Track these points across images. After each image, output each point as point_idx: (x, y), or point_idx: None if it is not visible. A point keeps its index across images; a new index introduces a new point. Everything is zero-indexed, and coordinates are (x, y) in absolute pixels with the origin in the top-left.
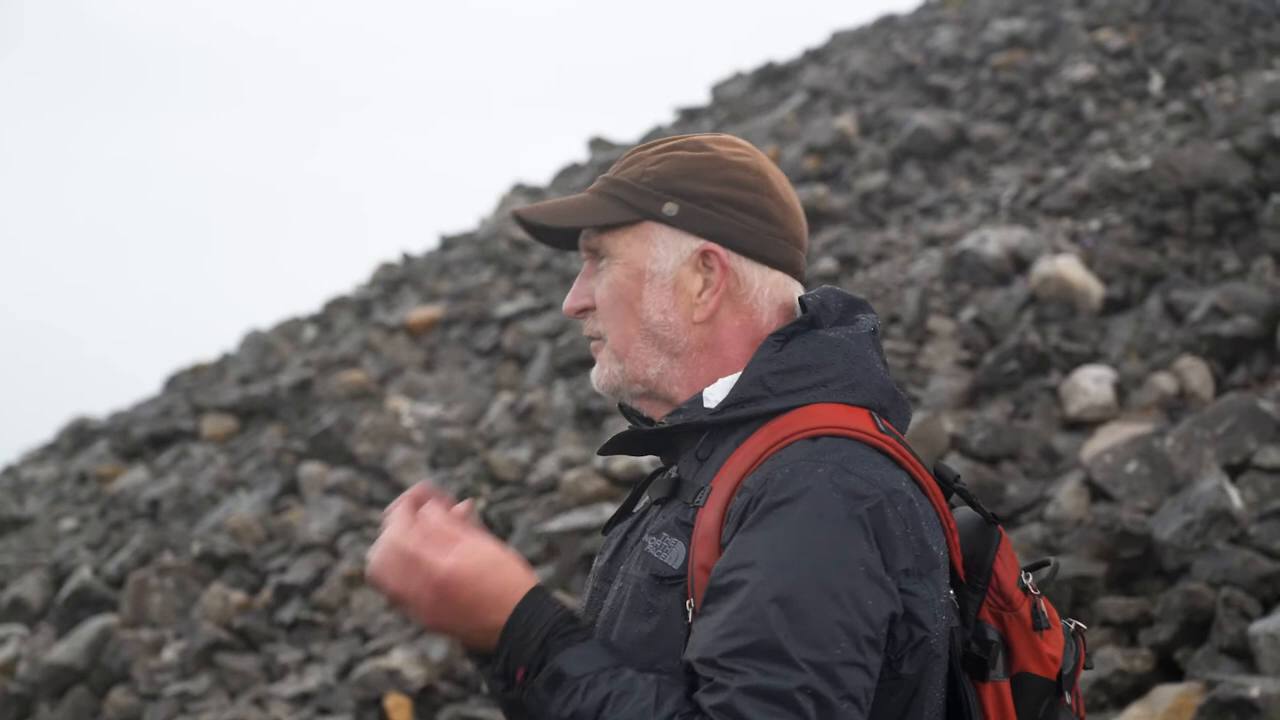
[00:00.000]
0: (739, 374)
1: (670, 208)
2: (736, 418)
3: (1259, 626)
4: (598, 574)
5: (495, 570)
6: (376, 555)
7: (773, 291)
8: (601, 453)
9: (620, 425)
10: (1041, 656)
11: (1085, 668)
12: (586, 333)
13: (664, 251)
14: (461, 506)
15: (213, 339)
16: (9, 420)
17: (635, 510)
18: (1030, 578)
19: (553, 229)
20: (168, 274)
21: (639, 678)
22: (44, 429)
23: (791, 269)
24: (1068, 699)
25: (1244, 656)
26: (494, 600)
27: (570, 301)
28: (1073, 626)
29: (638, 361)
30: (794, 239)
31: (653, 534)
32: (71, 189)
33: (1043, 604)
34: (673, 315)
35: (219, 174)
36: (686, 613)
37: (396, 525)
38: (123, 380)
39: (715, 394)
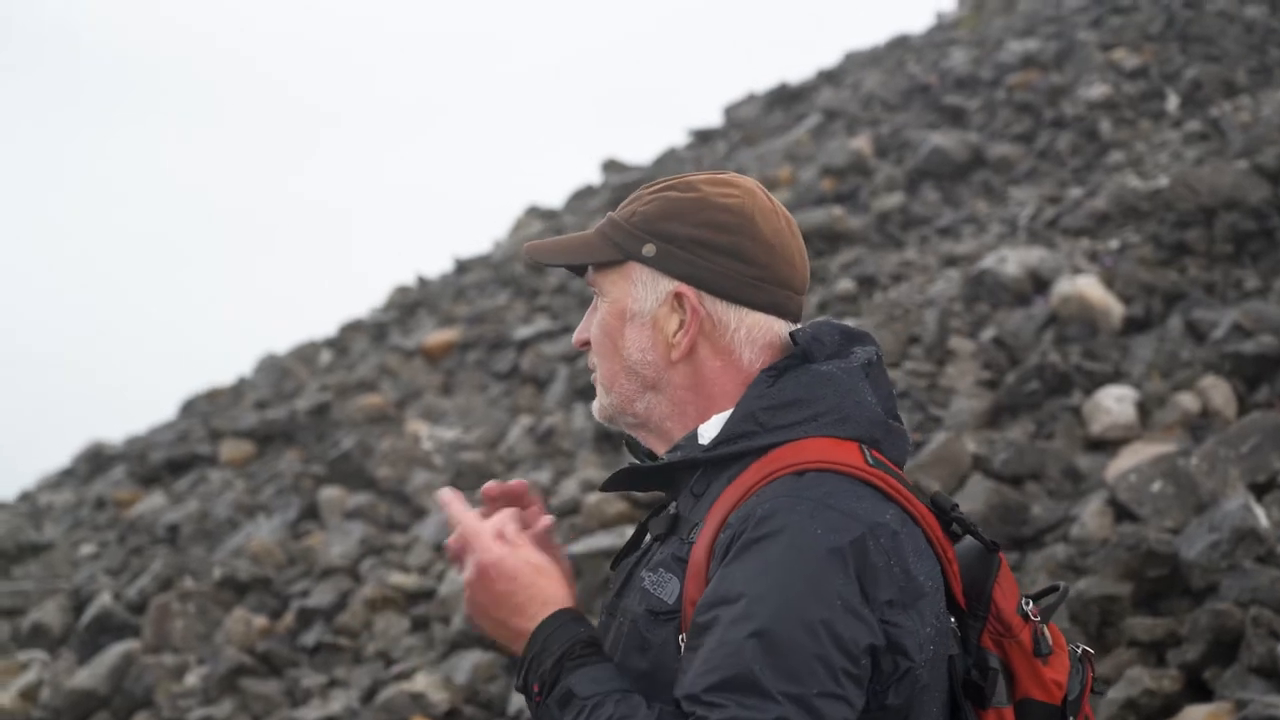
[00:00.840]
0: (730, 411)
1: (649, 249)
2: (729, 454)
3: None
4: (606, 608)
5: (534, 576)
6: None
7: (752, 332)
8: (603, 489)
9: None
10: (1044, 682)
11: (1094, 692)
12: (588, 365)
13: (643, 291)
14: (544, 522)
15: (211, 361)
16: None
17: (641, 545)
18: (1031, 604)
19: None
20: (159, 296)
21: (643, 705)
22: (44, 452)
23: (776, 309)
24: None
25: (1273, 676)
26: (524, 605)
27: (576, 335)
28: (1079, 651)
29: (624, 396)
30: (778, 280)
31: (650, 570)
32: (56, 207)
33: (1046, 630)
34: (650, 354)
35: (209, 193)
36: (680, 648)
37: (480, 514)
38: (121, 403)
39: (709, 430)
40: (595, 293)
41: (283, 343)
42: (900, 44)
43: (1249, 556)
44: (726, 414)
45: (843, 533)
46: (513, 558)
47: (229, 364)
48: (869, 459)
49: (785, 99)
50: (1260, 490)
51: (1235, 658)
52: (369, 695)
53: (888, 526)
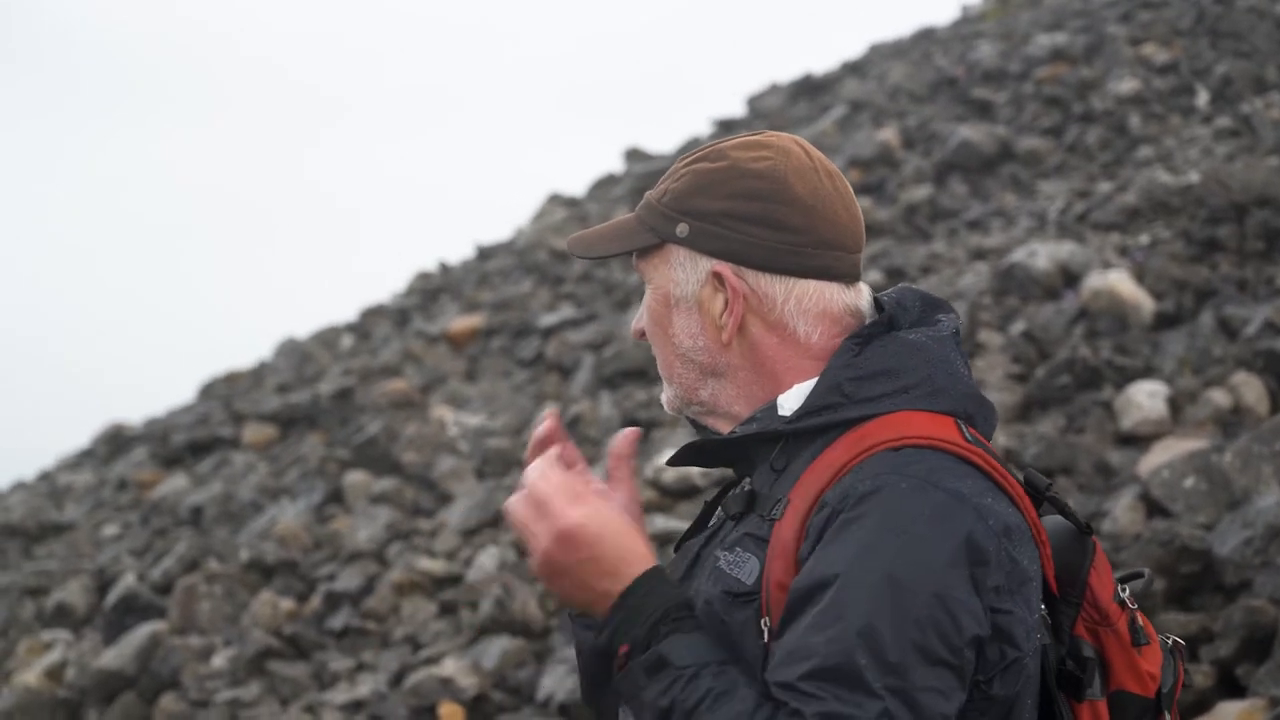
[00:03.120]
0: (814, 380)
1: (682, 229)
2: (813, 426)
3: None
4: None
5: (618, 537)
6: (515, 494)
7: (802, 302)
8: (671, 463)
9: (669, 436)
10: (1140, 674)
11: (1184, 685)
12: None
13: (682, 274)
14: (625, 440)
15: (224, 345)
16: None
17: (709, 525)
18: (1127, 590)
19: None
20: (176, 281)
21: (742, 681)
22: (67, 433)
23: (825, 274)
24: (1167, 718)
25: None
26: (610, 566)
27: (634, 325)
28: (1170, 642)
29: (685, 385)
30: (822, 242)
31: (725, 549)
32: (71, 195)
33: (1140, 619)
34: (701, 339)
35: (222, 181)
36: (762, 631)
37: (537, 467)
38: (136, 386)
39: (790, 401)
40: (646, 280)
41: (297, 328)
42: (926, 36)
43: None
44: (807, 384)
45: (949, 515)
46: (595, 521)
47: (242, 348)
48: (966, 435)
49: (810, 90)
50: None
51: (1269, 654)
52: (397, 679)
53: (992, 508)
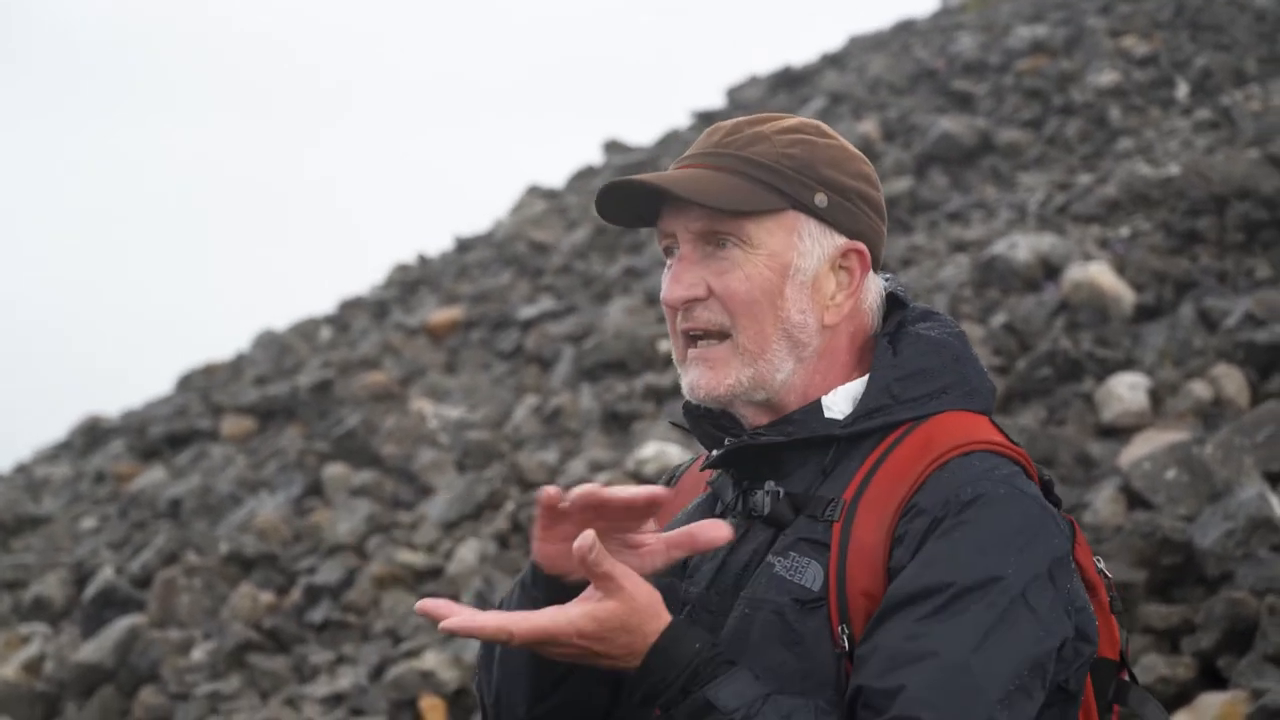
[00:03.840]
0: (857, 381)
1: (821, 199)
2: (869, 429)
3: None
4: (697, 601)
5: (620, 632)
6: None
7: (877, 295)
8: (709, 466)
9: (649, 428)
10: (1114, 640)
11: (1165, 677)
12: (693, 326)
13: (811, 246)
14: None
15: (205, 338)
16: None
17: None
18: (1101, 562)
19: (632, 205)
20: (159, 274)
21: (801, 707)
22: (41, 425)
23: (880, 269)
24: (1131, 675)
25: None
26: (627, 645)
27: (679, 290)
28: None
29: (770, 365)
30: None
31: (778, 554)
32: (59, 187)
33: (1113, 588)
34: (810, 316)
35: (209, 173)
36: (840, 640)
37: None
38: (115, 379)
39: (838, 404)
40: (729, 242)
41: (281, 320)
42: (905, 28)
43: (1264, 545)
44: (851, 385)
45: (1042, 524)
46: (591, 620)
47: (225, 340)
48: (1001, 429)
49: (789, 82)
50: (1275, 479)
51: (1250, 646)
52: (377, 672)
53: (1056, 513)
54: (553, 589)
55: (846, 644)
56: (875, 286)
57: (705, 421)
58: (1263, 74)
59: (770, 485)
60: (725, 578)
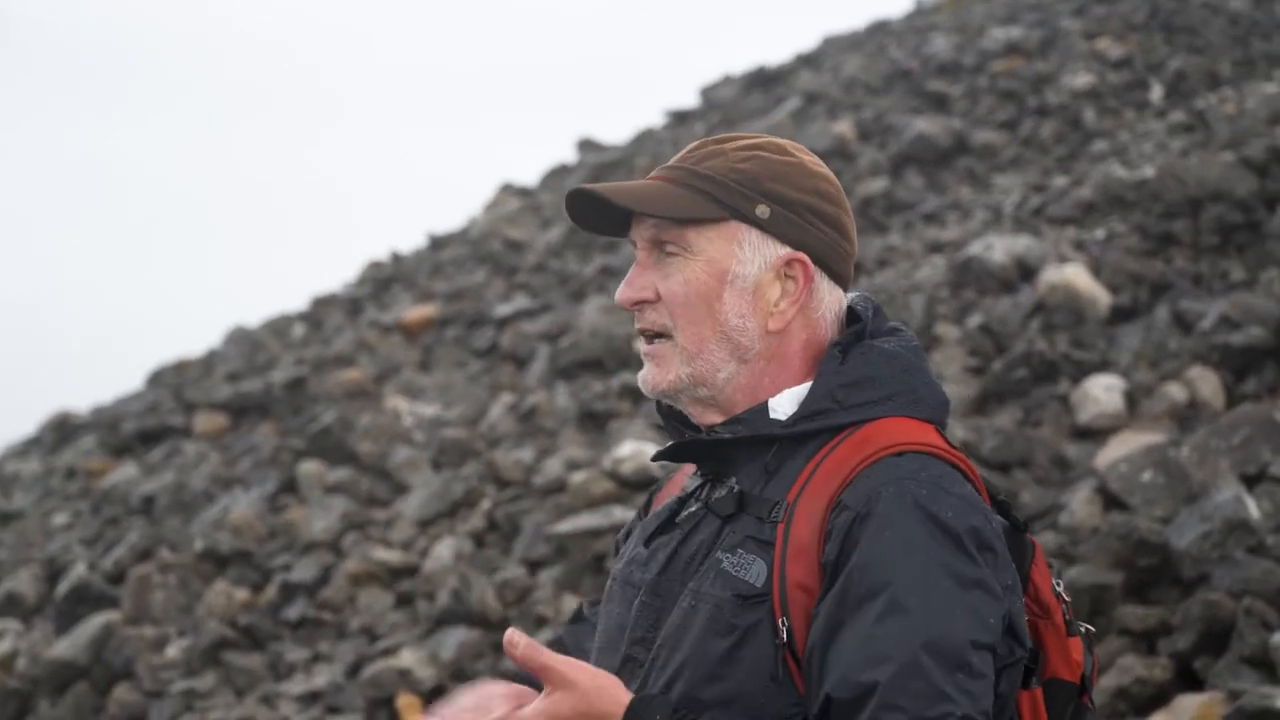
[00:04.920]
0: (804, 386)
1: (762, 210)
2: (808, 431)
3: None
4: (648, 587)
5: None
6: None
7: (832, 307)
8: (656, 459)
9: (625, 427)
10: (1071, 662)
11: (1100, 670)
12: (643, 326)
13: (750, 254)
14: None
15: (177, 334)
16: None
17: (677, 522)
18: (1061, 584)
19: (604, 213)
20: (136, 271)
21: None
22: (9, 421)
23: (847, 287)
24: (1091, 700)
25: (1264, 666)
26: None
27: (629, 293)
28: (1084, 630)
29: (709, 364)
30: (853, 257)
31: (726, 551)
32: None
33: (1069, 610)
34: (749, 321)
35: (189, 172)
36: (778, 631)
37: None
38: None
39: (783, 406)
40: (672, 250)
41: (254, 317)
42: (879, 28)
43: (1240, 547)
44: (796, 390)
45: (966, 516)
46: (552, 713)
47: (196, 337)
48: (949, 441)
49: (763, 81)
50: (1250, 482)
51: (1226, 648)
52: (354, 670)
53: (991, 513)
54: None
55: (785, 636)
56: (833, 299)
57: (675, 420)
58: (1236, 77)
59: (733, 482)
60: (676, 566)
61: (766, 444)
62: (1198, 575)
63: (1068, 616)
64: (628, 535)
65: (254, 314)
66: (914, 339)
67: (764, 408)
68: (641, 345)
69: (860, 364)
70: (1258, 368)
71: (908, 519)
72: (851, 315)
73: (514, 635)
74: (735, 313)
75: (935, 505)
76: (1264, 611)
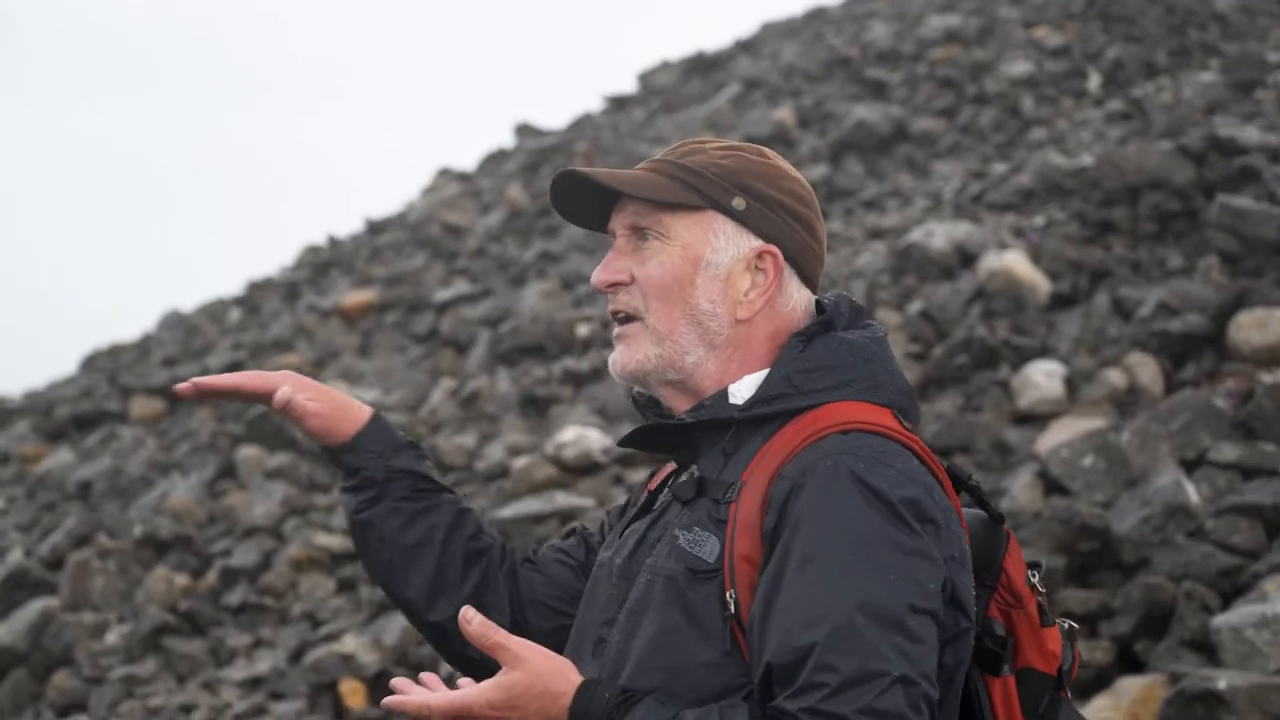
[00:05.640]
0: (764, 372)
1: (739, 202)
2: (764, 414)
3: (1221, 620)
4: (617, 571)
5: (528, 692)
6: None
7: (800, 305)
8: (621, 444)
9: (568, 412)
10: (1045, 652)
11: (1083, 663)
12: (615, 308)
13: (724, 243)
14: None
15: (96, 321)
16: None
17: (654, 509)
18: (1036, 576)
19: (585, 203)
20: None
21: (700, 715)
22: None
23: (815, 289)
24: (1068, 694)
25: (1204, 649)
26: (539, 717)
27: (604, 275)
28: (1066, 625)
29: (677, 347)
30: (823, 262)
31: (683, 528)
32: None
33: (1044, 602)
34: (720, 307)
35: (111, 153)
36: (726, 604)
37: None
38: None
39: (742, 390)
40: (651, 235)
41: (187, 302)
42: (817, 15)
43: (1180, 531)
44: (757, 375)
45: (903, 487)
46: (501, 687)
47: (129, 322)
48: (904, 424)
49: (702, 67)
50: (1190, 467)
51: (1167, 630)
52: (296, 656)
53: (938, 488)
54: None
55: (733, 607)
56: (801, 297)
57: (650, 410)
58: (1173, 66)
59: (694, 469)
60: (643, 549)
61: (725, 428)
62: (1138, 559)
63: (1043, 607)
64: (612, 526)
65: (185, 299)
66: (881, 331)
67: (725, 393)
68: (614, 329)
69: (821, 352)
70: (1196, 354)
71: (841, 488)
72: (823, 314)
73: (468, 612)
74: (706, 298)
75: (872, 476)
76: (1204, 595)
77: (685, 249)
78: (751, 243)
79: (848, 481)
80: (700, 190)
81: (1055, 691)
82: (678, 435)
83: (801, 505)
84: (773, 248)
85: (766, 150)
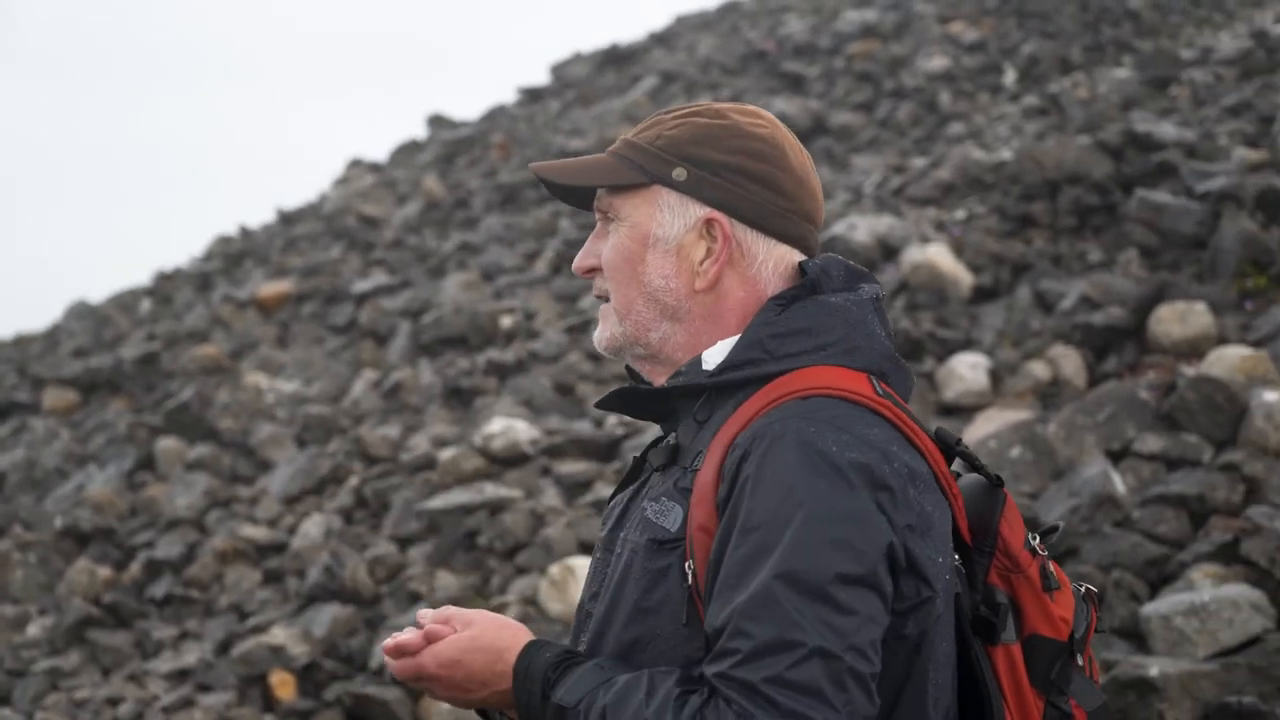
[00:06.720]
0: (736, 338)
1: (679, 173)
2: (734, 380)
3: (1150, 608)
4: (601, 544)
5: (476, 648)
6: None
7: (777, 264)
8: (599, 406)
9: (493, 404)
10: (1052, 618)
11: (1097, 630)
12: (595, 293)
13: (669, 217)
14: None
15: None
16: None
17: (639, 479)
18: (1038, 539)
19: (574, 188)
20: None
21: (631, 679)
22: None
23: (800, 243)
24: (1080, 661)
25: (1134, 637)
26: (487, 674)
27: (579, 261)
28: (1083, 590)
29: (639, 324)
30: (805, 214)
31: (652, 499)
32: None
33: (1052, 566)
34: (674, 281)
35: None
36: (686, 574)
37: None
38: None
39: (714, 356)
40: (610, 217)
41: (92, 293)
42: (732, 9)
43: (1108, 521)
44: (730, 341)
45: (854, 451)
46: (452, 645)
47: (16, 314)
48: (878, 390)
49: (616, 60)
50: (1116, 457)
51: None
52: (224, 648)
53: (897, 454)
54: None
55: (690, 578)
56: (774, 255)
57: (638, 380)
58: (1088, 62)
59: (671, 437)
60: (624, 521)
61: (699, 395)
62: (1066, 549)
63: (1046, 571)
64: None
65: (89, 290)
66: (870, 293)
67: (699, 360)
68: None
69: (799, 316)
70: (1118, 346)
71: (787, 454)
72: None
73: (423, 613)
74: (658, 274)
75: (820, 441)
76: (1133, 584)
77: (633, 228)
78: (698, 212)
79: (793, 446)
80: (642, 166)
81: (1068, 658)
82: (658, 403)
83: (747, 472)
84: (717, 214)
85: (728, 110)
